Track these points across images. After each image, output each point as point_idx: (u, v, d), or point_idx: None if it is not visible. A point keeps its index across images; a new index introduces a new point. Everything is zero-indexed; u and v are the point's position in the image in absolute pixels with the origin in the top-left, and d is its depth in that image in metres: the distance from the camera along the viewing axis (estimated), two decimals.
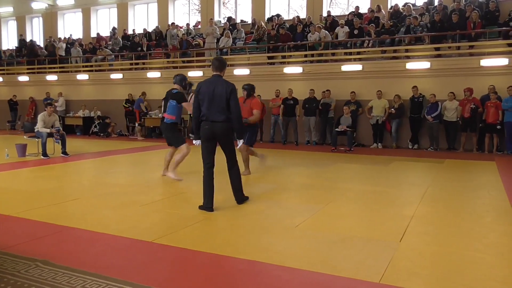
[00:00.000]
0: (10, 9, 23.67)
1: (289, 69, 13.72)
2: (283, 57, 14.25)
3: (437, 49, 12.15)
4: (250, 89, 7.35)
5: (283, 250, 3.68)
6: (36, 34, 23.46)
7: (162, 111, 7.26)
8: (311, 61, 13.81)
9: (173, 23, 17.25)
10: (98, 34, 20.39)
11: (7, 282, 2.92)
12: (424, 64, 12.00)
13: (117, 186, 6.41)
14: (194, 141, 5.36)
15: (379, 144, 12.18)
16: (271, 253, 3.56)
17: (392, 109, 11.80)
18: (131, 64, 17.23)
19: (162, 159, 7.40)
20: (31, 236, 4.04)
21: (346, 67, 12.84)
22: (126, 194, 5.93)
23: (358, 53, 13.10)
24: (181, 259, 3.47)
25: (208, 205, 4.93)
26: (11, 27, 24.37)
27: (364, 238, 4.01)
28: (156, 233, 4.10)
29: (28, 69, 19.64)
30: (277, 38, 14.33)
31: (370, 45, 13.12)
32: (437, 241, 4.04)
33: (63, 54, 18.72)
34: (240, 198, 5.31)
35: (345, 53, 13.43)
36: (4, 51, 21.51)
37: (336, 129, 11.42)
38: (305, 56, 13.90)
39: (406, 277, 3.09)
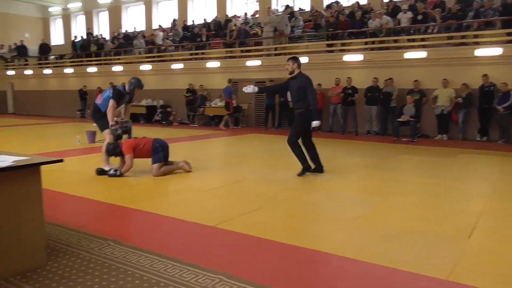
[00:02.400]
0: (79, 4, 25.01)
1: (348, 57, 13.40)
2: (343, 44, 13.95)
3: (509, 34, 11.34)
4: None
5: (344, 241, 3.64)
6: (102, 27, 24.63)
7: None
8: (372, 49, 13.41)
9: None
10: (159, 26, 21.02)
11: (83, 258, 3.13)
12: (495, 51, 11.22)
13: (178, 172, 6.62)
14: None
15: (444, 135, 11.62)
16: (331, 244, 3.54)
17: (459, 99, 11.20)
18: (191, 54, 17.62)
19: (222, 147, 7.54)
20: (102, 217, 4.29)
21: (409, 55, 12.33)
22: (186, 179, 6.13)
23: (422, 39, 12.51)
24: (242, 244, 3.54)
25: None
26: (80, 21, 25.74)
27: (427, 233, 3.86)
28: (217, 218, 4.21)
29: (95, 60, 20.69)
30: (336, 25, 14.04)
31: (435, 31, 12.50)
32: (509, 239, 3.81)
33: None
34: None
35: (408, 40, 12.88)
36: (75, 43, 22.77)
37: (399, 119, 11.05)
38: (366, 43, 13.51)
39: (475, 276, 2.95)
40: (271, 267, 3.06)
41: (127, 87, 6.77)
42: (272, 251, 3.39)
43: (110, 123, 6.45)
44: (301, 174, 6.39)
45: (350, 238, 3.71)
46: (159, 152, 6.38)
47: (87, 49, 21.51)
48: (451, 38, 12.20)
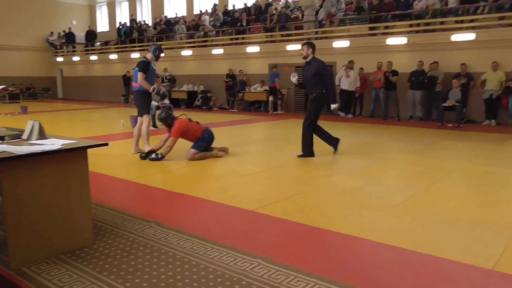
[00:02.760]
0: None
1: (392, 40, 12.99)
2: (386, 27, 13.52)
3: None
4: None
5: (384, 228, 3.58)
6: (145, 13, 25.06)
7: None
8: (417, 31, 12.92)
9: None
10: (200, 11, 21.15)
11: (127, 238, 3.26)
12: None
13: (217, 157, 6.70)
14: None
15: (493, 121, 11.11)
16: (371, 230, 3.49)
17: (510, 82, 10.64)
18: (231, 39, 17.65)
19: (261, 132, 7.54)
20: (145, 199, 4.43)
21: (456, 37, 11.80)
22: (227, 164, 6.20)
23: (471, 20, 11.93)
24: (280, 229, 3.56)
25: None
26: (124, 7, 26.30)
27: (474, 221, 3.74)
28: (257, 203, 4.24)
29: (138, 46, 21.14)
30: (380, 8, 13.61)
31: (485, 11, 11.87)
32: None
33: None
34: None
35: (456, 21, 12.32)
36: (119, 29, 23.33)
37: (444, 104, 10.65)
38: (410, 26, 13.04)
39: None
40: (308, 252, 3.06)
41: (149, 56, 6.91)
42: (310, 236, 3.39)
43: (150, 89, 6.67)
44: (301, 156, 6.63)
45: (392, 225, 3.64)
46: (203, 142, 6.49)
47: (130, 36, 22.00)
48: (502, 18, 11.55)
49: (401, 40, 12.79)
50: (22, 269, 2.77)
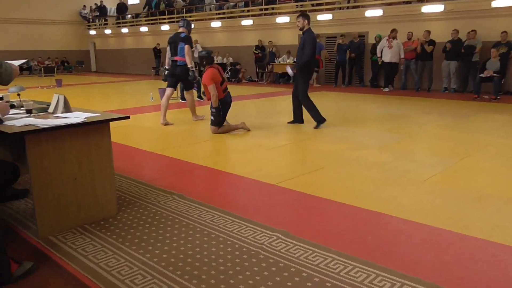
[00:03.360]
0: None
1: (427, 8, 12.40)
2: None
3: None
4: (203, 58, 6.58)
5: (408, 204, 3.50)
6: None
7: (171, 54, 7.13)
8: None
9: None
10: None
11: (150, 210, 3.32)
12: None
13: (242, 131, 6.69)
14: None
15: None
16: (394, 206, 3.42)
17: None
18: (261, 10, 17.33)
19: (289, 105, 7.46)
20: (169, 172, 4.49)
21: (497, 3, 11.11)
22: (252, 137, 6.19)
23: None
24: (301, 203, 3.54)
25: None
26: None
27: (504, 197, 3.60)
28: (280, 176, 4.23)
29: (168, 18, 21.11)
30: None
31: None
32: None
33: None
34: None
35: None
36: (149, 1, 23.32)
37: (481, 75, 10.18)
38: None
39: None
40: (328, 227, 3.04)
41: (186, 30, 7.12)
42: (331, 211, 3.36)
43: (189, 65, 6.91)
44: (317, 126, 6.71)
45: (417, 201, 3.56)
46: (221, 111, 6.40)
47: (159, 8, 21.94)
48: None
49: (437, 8, 12.19)
50: (49, 238, 2.88)
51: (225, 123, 6.54)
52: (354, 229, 3.02)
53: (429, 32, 11.81)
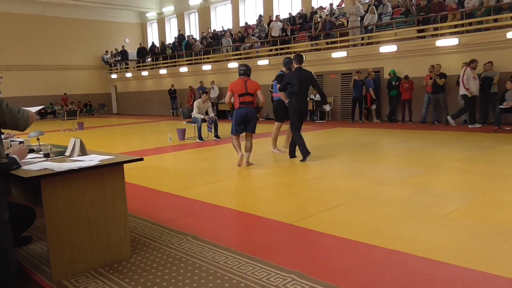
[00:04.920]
0: (171, 8, 26.43)
1: (442, 42, 12.45)
2: (435, 29, 13.00)
3: None
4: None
5: (429, 241, 3.38)
6: (193, 28, 25.76)
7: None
8: (467, 31, 12.29)
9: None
10: (246, 23, 21.42)
11: (163, 252, 3.29)
12: None
13: (261, 168, 6.68)
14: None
15: None
16: (414, 243, 3.31)
17: None
18: (276, 49, 17.67)
19: (313, 142, 7.45)
20: (185, 212, 4.47)
21: None
22: (269, 175, 6.16)
23: None
24: (317, 243, 3.46)
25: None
26: (173, 24, 27.20)
27: None
28: (295, 215, 4.16)
29: (187, 60, 21.71)
30: (428, 9, 13.12)
31: None
32: None
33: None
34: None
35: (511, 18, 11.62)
36: (168, 45, 24.11)
37: (500, 106, 10.03)
38: (462, 25, 12.44)
39: None
40: (343, 267, 2.94)
41: (284, 69, 7.94)
42: (347, 250, 3.27)
43: (286, 100, 7.35)
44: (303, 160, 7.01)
45: (438, 238, 3.43)
46: (236, 121, 6.71)
47: (183, 49, 22.51)
48: None
49: (452, 41, 12.23)
50: (63, 282, 2.86)
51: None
52: (371, 268, 2.91)
53: (440, 65, 11.82)
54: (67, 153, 3.54)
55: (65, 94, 24.99)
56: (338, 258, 3.11)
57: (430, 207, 4.25)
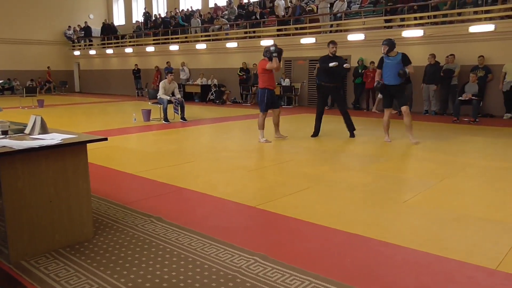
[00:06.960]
0: None
1: (408, 33, 12.73)
2: (402, 19, 13.25)
3: None
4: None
5: (387, 225, 3.51)
6: (161, 7, 25.12)
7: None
8: (433, 23, 12.61)
9: None
10: (215, 4, 21.09)
11: (127, 234, 3.26)
12: None
13: (228, 151, 6.69)
14: None
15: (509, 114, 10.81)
16: (373, 228, 3.42)
17: None
18: (245, 32, 17.55)
19: (271, 126, 7.50)
20: (149, 194, 4.43)
21: (474, 28, 11.48)
22: (235, 158, 6.17)
23: (488, 11, 11.59)
24: (280, 226, 3.52)
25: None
26: (140, 2, 26.42)
27: (483, 218, 3.63)
28: (260, 198, 4.21)
29: (153, 40, 21.22)
30: (396, 0, 13.35)
31: (506, 1, 11.53)
32: None
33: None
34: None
35: (474, 12, 11.99)
36: (133, 24, 23.47)
37: (460, 98, 10.41)
38: (428, 17, 12.74)
39: None
40: (306, 249, 3.01)
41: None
42: (310, 233, 3.34)
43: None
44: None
45: (396, 223, 3.57)
46: (263, 102, 7.56)
47: (145, 29, 22.04)
48: None
49: (417, 33, 12.53)
50: (22, 263, 2.79)
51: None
52: (333, 251, 3.00)
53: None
54: (27, 130, 3.42)
55: (48, 67, 24.00)
56: (301, 241, 3.18)
57: (390, 193, 4.40)
